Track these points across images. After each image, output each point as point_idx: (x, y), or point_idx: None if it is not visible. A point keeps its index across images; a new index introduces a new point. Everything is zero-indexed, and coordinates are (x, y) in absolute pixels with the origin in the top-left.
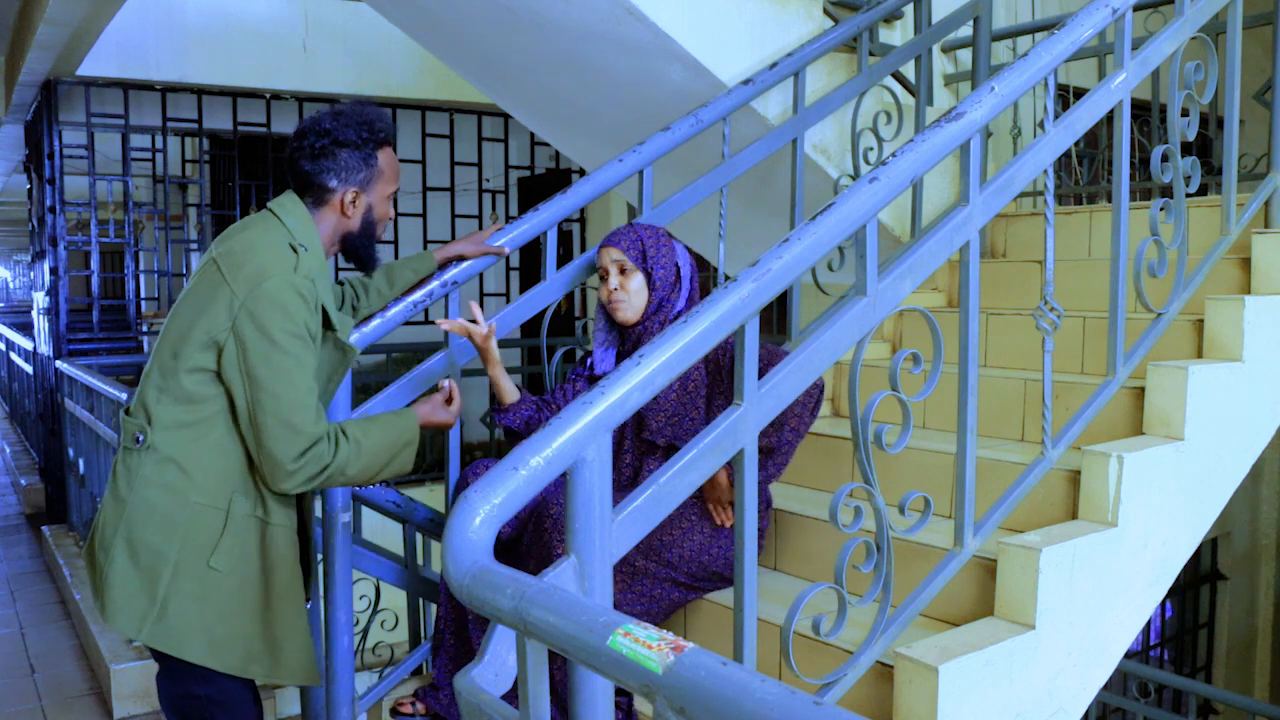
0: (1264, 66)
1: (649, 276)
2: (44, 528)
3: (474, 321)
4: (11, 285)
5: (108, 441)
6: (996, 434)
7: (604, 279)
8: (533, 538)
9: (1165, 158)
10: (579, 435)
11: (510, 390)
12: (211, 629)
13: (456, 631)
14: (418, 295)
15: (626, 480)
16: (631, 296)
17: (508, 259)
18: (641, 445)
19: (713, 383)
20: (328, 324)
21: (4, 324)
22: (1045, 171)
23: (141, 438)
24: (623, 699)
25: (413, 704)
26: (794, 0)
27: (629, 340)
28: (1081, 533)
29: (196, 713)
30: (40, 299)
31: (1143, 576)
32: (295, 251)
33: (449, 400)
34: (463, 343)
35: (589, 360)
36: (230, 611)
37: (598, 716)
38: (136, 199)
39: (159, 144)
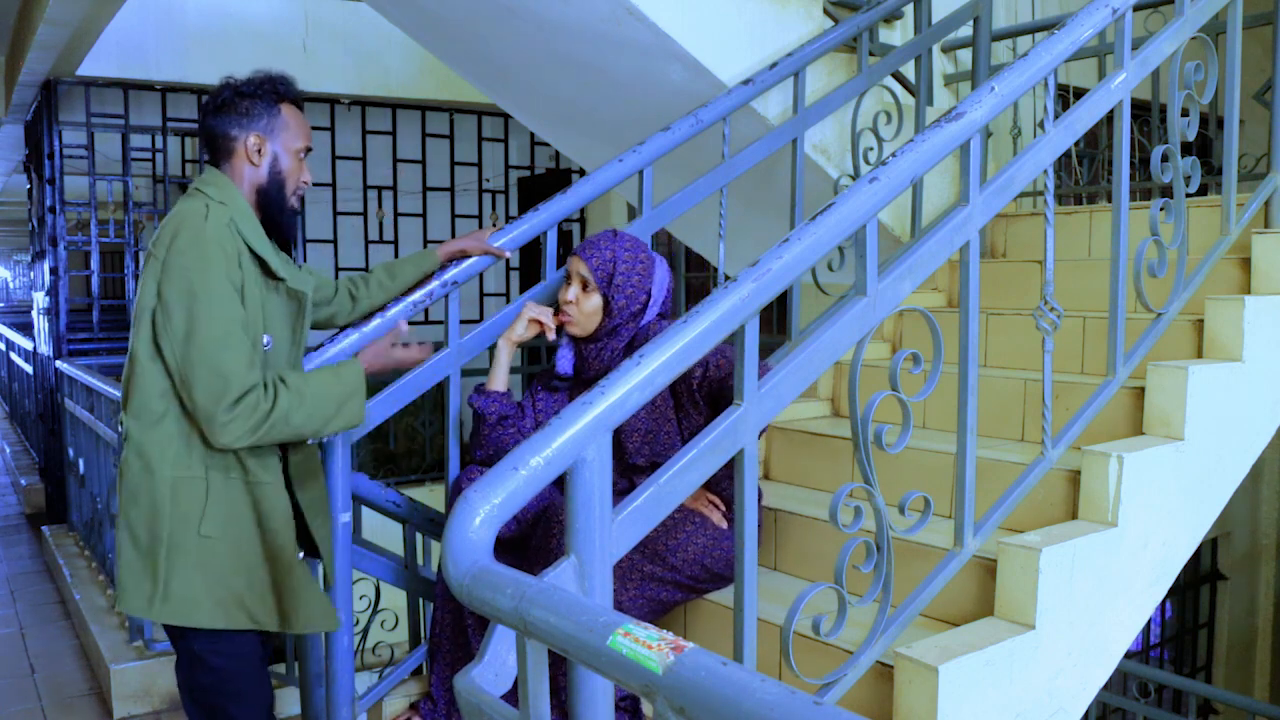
0: (1264, 66)
1: (607, 302)
2: (44, 528)
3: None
4: (11, 285)
5: (108, 441)
6: (996, 434)
7: (567, 283)
8: (540, 541)
9: (1165, 158)
10: (579, 435)
11: (504, 377)
12: (215, 592)
13: (453, 636)
14: (418, 295)
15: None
16: (582, 316)
17: (507, 259)
18: (629, 466)
19: (676, 398)
20: (269, 272)
21: (4, 324)
22: (1045, 171)
23: (121, 429)
24: (629, 700)
25: (409, 719)
26: (794, 0)
27: (581, 355)
28: (1081, 533)
29: (208, 701)
30: (40, 299)
31: (1143, 576)
32: (208, 208)
33: (394, 342)
34: (464, 342)
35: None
36: (231, 572)
37: (598, 717)
38: (136, 199)
39: (159, 144)
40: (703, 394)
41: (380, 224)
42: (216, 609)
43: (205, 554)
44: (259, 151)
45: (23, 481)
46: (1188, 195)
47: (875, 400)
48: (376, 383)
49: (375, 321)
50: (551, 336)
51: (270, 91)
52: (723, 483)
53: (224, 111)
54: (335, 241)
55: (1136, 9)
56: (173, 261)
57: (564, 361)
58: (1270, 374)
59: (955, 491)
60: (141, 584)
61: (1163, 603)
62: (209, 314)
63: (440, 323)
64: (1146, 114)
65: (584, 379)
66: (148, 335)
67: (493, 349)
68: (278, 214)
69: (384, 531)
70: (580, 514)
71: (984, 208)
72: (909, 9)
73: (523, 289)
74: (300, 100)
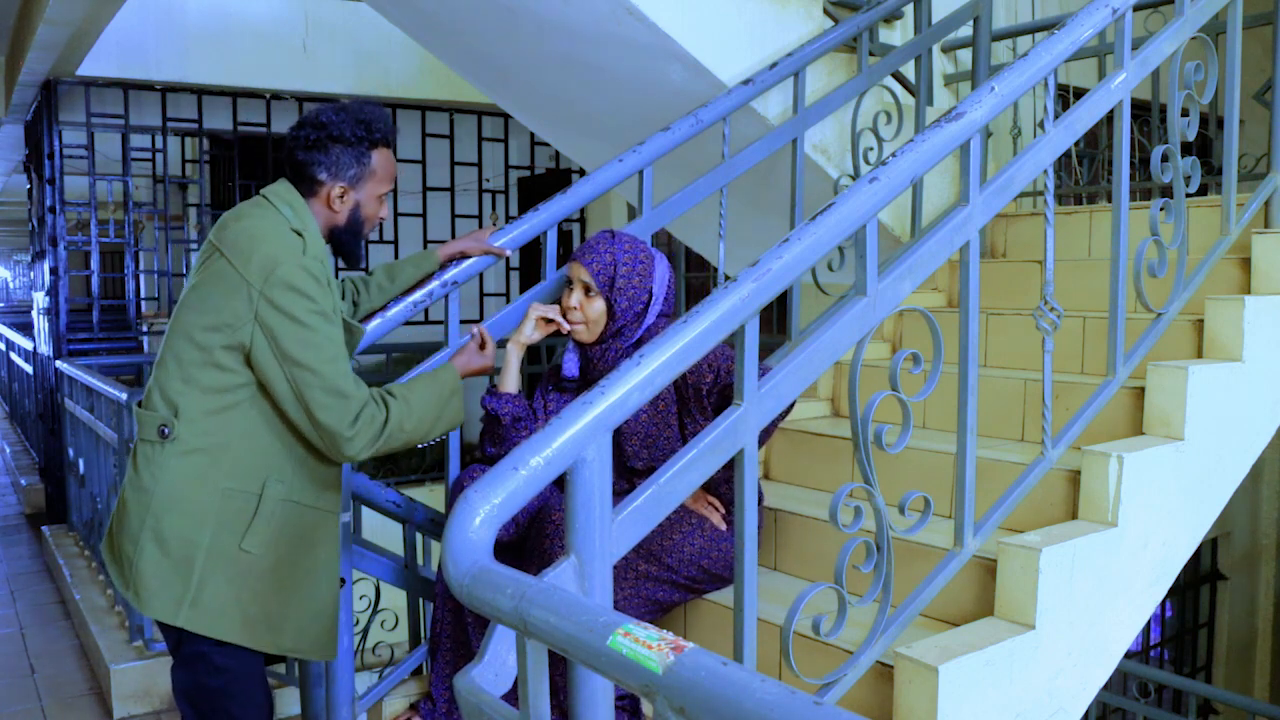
0: (1264, 66)
1: (611, 305)
2: (44, 528)
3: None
4: (11, 285)
5: (108, 441)
6: (996, 434)
7: (569, 289)
8: (534, 542)
9: (1165, 158)
10: (579, 435)
11: (515, 380)
12: (245, 608)
13: (453, 636)
14: (418, 295)
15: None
16: (588, 321)
17: (507, 259)
18: (627, 469)
19: (680, 402)
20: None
21: (4, 324)
22: (1045, 171)
23: (167, 430)
24: (628, 700)
25: (409, 719)
26: (794, 0)
27: (586, 358)
28: (1081, 533)
29: (208, 704)
30: (40, 299)
31: (1143, 576)
32: (300, 235)
33: (482, 346)
34: (463, 342)
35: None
36: (263, 591)
37: (598, 717)
38: (136, 199)
39: (159, 144)
40: (712, 401)
41: (380, 224)
42: (245, 627)
43: (241, 568)
44: (341, 199)
45: (23, 481)
46: (1188, 195)
47: (875, 400)
48: (376, 384)
49: (375, 321)
50: (567, 328)
51: (364, 138)
52: (721, 486)
53: (313, 150)
54: None
55: (1136, 9)
56: (276, 295)
57: (570, 364)
58: (1270, 374)
59: (955, 491)
60: (170, 588)
61: (1163, 603)
62: (320, 340)
63: (440, 323)
64: (1146, 114)
65: (590, 380)
66: (233, 352)
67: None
68: (347, 254)
69: (384, 531)
70: (580, 514)
71: (984, 208)
72: (909, 9)
73: (523, 289)
74: (393, 141)
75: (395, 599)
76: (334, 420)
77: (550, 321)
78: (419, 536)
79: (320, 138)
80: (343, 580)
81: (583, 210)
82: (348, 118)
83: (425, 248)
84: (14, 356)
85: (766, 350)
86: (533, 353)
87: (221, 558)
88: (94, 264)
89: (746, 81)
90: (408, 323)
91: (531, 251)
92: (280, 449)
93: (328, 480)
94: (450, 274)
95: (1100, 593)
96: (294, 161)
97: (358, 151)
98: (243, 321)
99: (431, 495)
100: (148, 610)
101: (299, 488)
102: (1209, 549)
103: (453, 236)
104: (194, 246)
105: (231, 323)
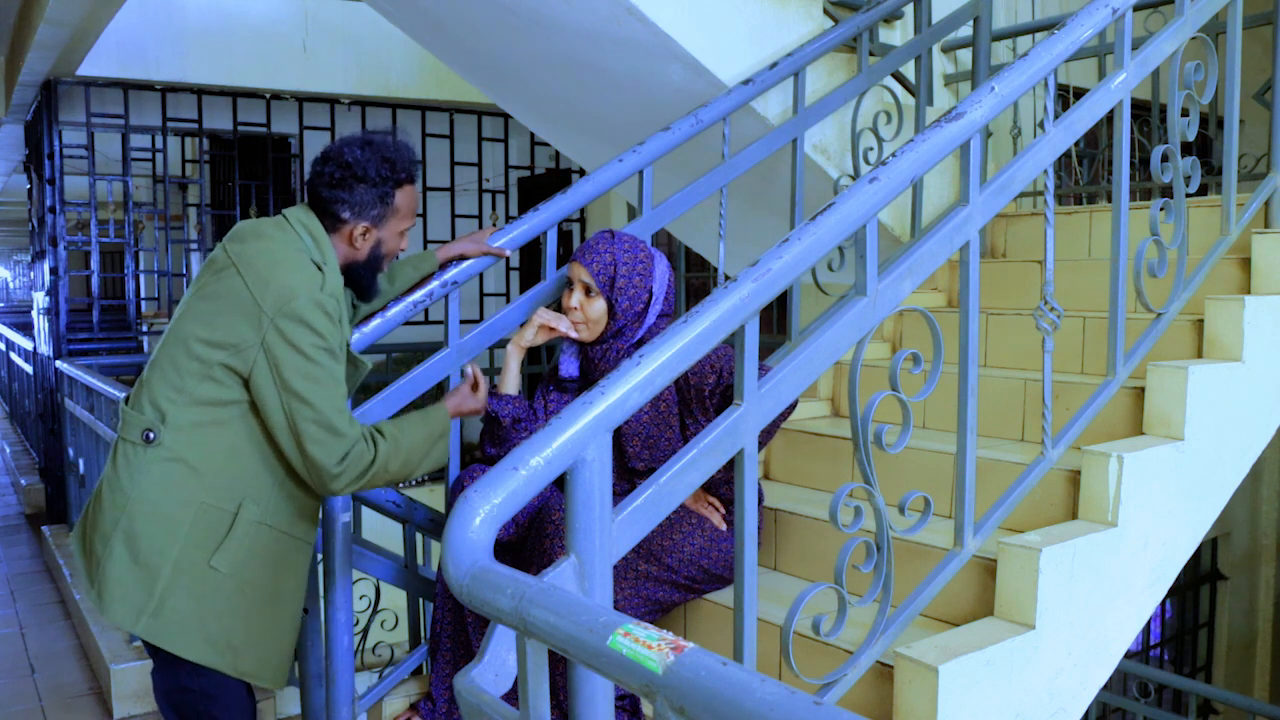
0: (1264, 66)
1: (611, 305)
2: (44, 528)
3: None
4: (11, 285)
5: (108, 441)
6: (996, 434)
7: (570, 289)
8: (534, 542)
9: (1165, 158)
10: (579, 435)
11: (515, 381)
12: (206, 626)
13: (453, 636)
14: (418, 295)
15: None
16: (589, 320)
17: (507, 259)
18: (628, 469)
19: (682, 403)
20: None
21: (4, 324)
22: (1045, 171)
23: (152, 434)
24: (628, 700)
25: (409, 718)
26: (794, 0)
27: (587, 358)
28: (1081, 533)
29: (189, 706)
30: (40, 299)
31: (1143, 576)
32: (320, 269)
33: (474, 387)
34: (464, 342)
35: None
36: (226, 611)
37: (598, 717)
38: (136, 199)
39: (159, 144)
40: (715, 401)
41: None
42: (205, 644)
43: (207, 585)
44: (364, 237)
45: (23, 481)
46: (1188, 195)
47: (875, 400)
48: (376, 383)
49: (375, 322)
50: (575, 335)
51: (389, 178)
52: (721, 486)
53: (337, 189)
54: None
55: (1136, 9)
56: (287, 327)
57: (568, 365)
58: (1270, 374)
59: (955, 491)
60: (133, 596)
61: (1163, 603)
62: (322, 375)
63: (440, 323)
64: (1146, 114)
65: (591, 380)
66: (231, 370)
67: (494, 349)
68: (363, 288)
69: (384, 531)
70: (580, 514)
71: (984, 208)
72: (909, 9)
73: (523, 289)
74: (416, 176)
75: (395, 599)
76: (323, 455)
77: (555, 329)
78: (419, 536)
79: (344, 177)
80: (306, 609)
81: (583, 210)
82: (373, 156)
83: (425, 248)
84: (14, 356)
85: (766, 350)
86: (533, 353)
87: (188, 572)
88: (94, 264)
89: (746, 81)
90: (408, 323)
91: (531, 251)
92: (262, 471)
93: (305, 509)
94: (450, 274)
95: (1100, 593)
96: (318, 198)
97: (382, 191)
98: (248, 345)
99: (431, 495)
100: (107, 614)
101: (275, 512)
102: (1209, 549)
103: (453, 237)
104: (194, 246)
105: (237, 343)
